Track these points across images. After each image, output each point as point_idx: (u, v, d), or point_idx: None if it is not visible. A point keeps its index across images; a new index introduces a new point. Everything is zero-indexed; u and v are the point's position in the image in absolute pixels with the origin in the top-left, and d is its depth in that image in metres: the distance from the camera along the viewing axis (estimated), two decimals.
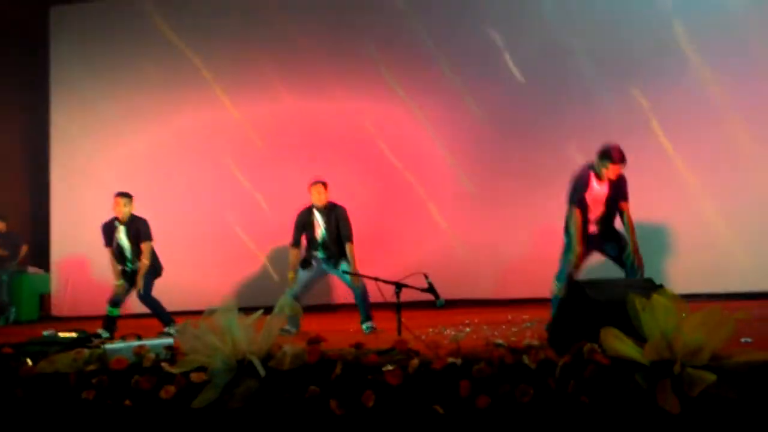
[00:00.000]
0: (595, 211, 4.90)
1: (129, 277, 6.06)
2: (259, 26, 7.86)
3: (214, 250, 7.69)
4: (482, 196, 7.09)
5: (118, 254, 6.07)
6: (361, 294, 5.59)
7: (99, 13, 8.30)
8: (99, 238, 6.18)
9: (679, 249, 6.41)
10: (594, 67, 6.85)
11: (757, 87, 6.37)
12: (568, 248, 4.92)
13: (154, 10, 8.07)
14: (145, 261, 5.95)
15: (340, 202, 5.83)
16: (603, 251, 4.99)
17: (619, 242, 4.91)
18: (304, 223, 5.82)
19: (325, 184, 5.79)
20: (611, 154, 4.80)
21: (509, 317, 5.70)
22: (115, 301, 6.01)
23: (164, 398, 3.06)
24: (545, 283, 5.90)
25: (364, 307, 5.58)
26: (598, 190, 4.90)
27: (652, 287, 3.20)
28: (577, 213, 4.87)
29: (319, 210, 5.78)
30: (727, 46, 6.50)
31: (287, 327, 4.72)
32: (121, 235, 6.05)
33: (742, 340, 3.46)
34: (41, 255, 8.81)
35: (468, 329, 4.89)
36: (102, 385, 3.16)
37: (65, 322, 7.11)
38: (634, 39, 6.76)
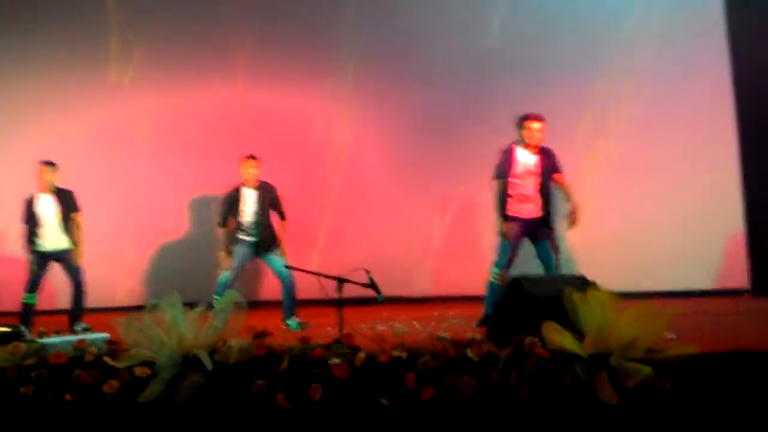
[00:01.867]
0: (529, 182, 4.89)
1: (44, 258, 5.56)
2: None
3: (142, 244, 7.44)
4: (412, 195, 7.11)
5: (37, 230, 5.55)
6: (291, 285, 5.33)
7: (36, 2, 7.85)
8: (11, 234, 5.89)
9: (607, 247, 6.57)
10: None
11: (690, 90, 6.59)
12: (499, 230, 4.93)
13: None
14: (79, 233, 5.57)
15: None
16: (534, 238, 4.95)
17: (548, 232, 4.94)
18: (232, 202, 5.49)
19: (257, 159, 5.46)
20: (526, 115, 4.90)
21: (435, 313, 5.70)
22: (33, 287, 5.54)
23: (107, 393, 3.02)
24: (468, 281, 6.05)
25: (291, 300, 5.34)
26: (527, 158, 4.91)
27: (585, 283, 3.32)
28: (498, 185, 4.89)
29: (249, 189, 5.46)
30: (657, 48, 6.69)
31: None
32: (44, 208, 5.56)
33: (667, 335, 3.60)
34: None
35: (398, 324, 4.90)
36: (41, 380, 3.08)
37: None
38: (575, 36, 6.88)
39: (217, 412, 2.95)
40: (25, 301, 5.56)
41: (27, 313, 5.52)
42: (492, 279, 4.93)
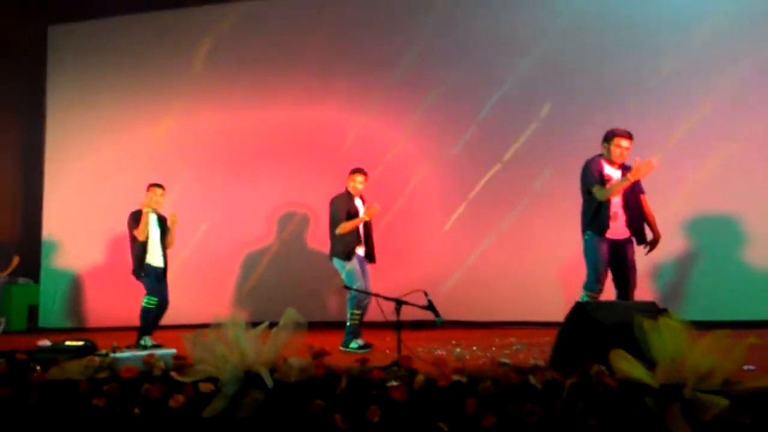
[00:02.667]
0: (615, 201, 4.75)
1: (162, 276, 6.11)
2: (256, 36, 7.92)
3: (208, 261, 7.71)
4: (471, 218, 7.06)
5: (149, 247, 6.09)
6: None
7: (96, 31, 8.46)
8: (90, 250, 6.29)
9: None
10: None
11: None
12: (586, 249, 4.77)
13: (148, 27, 8.21)
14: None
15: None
16: (616, 261, 4.78)
17: (630, 254, 4.77)
18: (348, 209, 5.65)
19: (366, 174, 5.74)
20: (613, 131, 4.80)
21: (496, 339, 5.59)
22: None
23: (173, 407, 3.09)
24: (527, 307, 5.88)
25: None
26: (611, 174, 4.80)
27: (656, 310, 3.17)
28: (599, 192, 4.69)
29: (359, 200, 5.71)
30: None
31: None
32: (154, 226, 6.13)
33: (746, 367, 3.37)
34: (31, 266, 8.91)
35: (458, 349, 4.82)
36: (112, 393, 3.19)
37: (52, 333, 7.16)
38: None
39: (276, 429, 2.96)
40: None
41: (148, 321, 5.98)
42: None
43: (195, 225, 7.58)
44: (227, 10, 7.99)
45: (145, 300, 6.05)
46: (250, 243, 7.68)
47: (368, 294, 4.96)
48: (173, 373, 3.14)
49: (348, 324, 5.47)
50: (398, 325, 3.49)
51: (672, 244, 6.14)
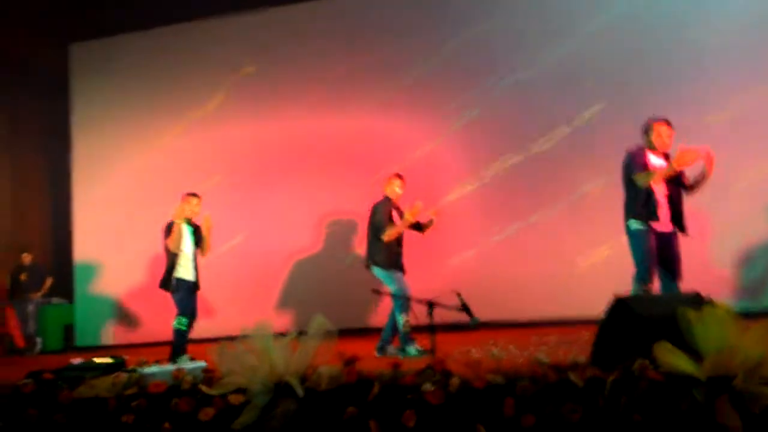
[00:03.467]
0: (660, 189, 4.66)
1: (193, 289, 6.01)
2: (282, 44, 7.91)
3: (242, 273, 7.69)
4: (503, 217, 6.93)
5: (181, 260, 5.98)
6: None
7: (117, 47, 8.51)
8: (123, 267, 6.26)
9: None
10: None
11: None
12: (633, 241, 4.65)
13: (170, 41, 8.24)
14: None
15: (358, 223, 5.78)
16: (663, 251, 4.64)
17: (675, 247, 4.65)
18: (390, 216, 5.54)
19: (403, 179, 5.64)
20: (655, 118, 4.71)
21: (534, 338, 5.45)
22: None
23: (203, 420, 3.02)
24: (565, 304, 5.71)
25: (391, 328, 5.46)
26: (656, 163, 4.70)
27: (699, 301, 3.04)
28: (642, 177, 4.57)
29: (396, 206, 5.60)
30: None
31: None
32: (187, 238, 6.00)
33: None
34: (65, 286, 8.99)
35: (495, 350, 4.70)
36: (141, 409, 3.14)
37: (90, 351, 7.18)
38: None
39: None
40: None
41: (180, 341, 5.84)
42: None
43: (227, 236, 7.55)
44: (249, 20, 7.99)
45: (177, 321, 5.92)
46: (282, 253, 7.62)
47: (408, 298, 4.81)
48: (202, 386, 3.08)
49: (402, 331, 5.32)
50: (432, 328, 3.39)
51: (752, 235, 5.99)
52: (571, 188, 6.65)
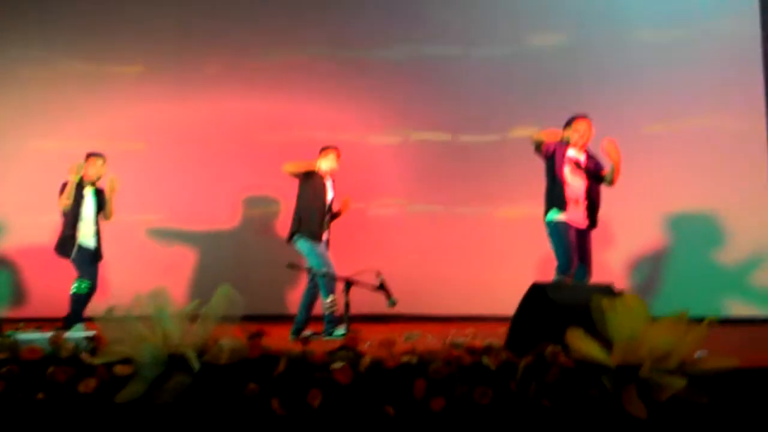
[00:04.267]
0: (578, 184, 4.77)
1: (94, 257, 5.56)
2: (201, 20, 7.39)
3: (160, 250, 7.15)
4: (433, 207, 6.86)
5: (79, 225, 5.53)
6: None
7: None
8: (31, 234, 5.70)
9: None
10: None
11: None
12: (554, 233, 4.73)
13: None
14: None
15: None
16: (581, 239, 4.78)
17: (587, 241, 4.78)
18: (317, 188, 5.32)
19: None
20: (575, 115, 4.82)
21: (453, 330, 5.41)
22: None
23: (83, 392, 2.72)
24: (484, 301, 5.74)
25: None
26: (575, 157, 4.81)
27: (612, 292, 3.08)
28: (535, 139, 4.78)
29: (328, 180, 5.42)
30: None
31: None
32: (92, 202, 5.59)
33: (698, 353, 3.34)
34: None
35: (410, 333, 4.64)
36: (12, 376, 2.79)
37: None
38: None
39: (203, 416, 2.66)
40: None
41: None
42: None
43: (146, 209, 7.00)
44: None
45: (76, 284, 5.43)
46: (203, 231, 7.11)
47: (333, 277, 4.55)
48: (83, 355, 2.78)
49: (327, 312, 5.03)
50: (346, 306, 3.24)
51: (643, 240, 6.21)
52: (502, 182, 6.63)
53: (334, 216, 5.53)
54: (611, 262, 5.94)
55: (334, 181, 5.51)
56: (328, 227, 5.39)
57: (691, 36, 6.50)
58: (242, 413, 2.66)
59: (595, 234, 4.95)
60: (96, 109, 7.26)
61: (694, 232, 6.27)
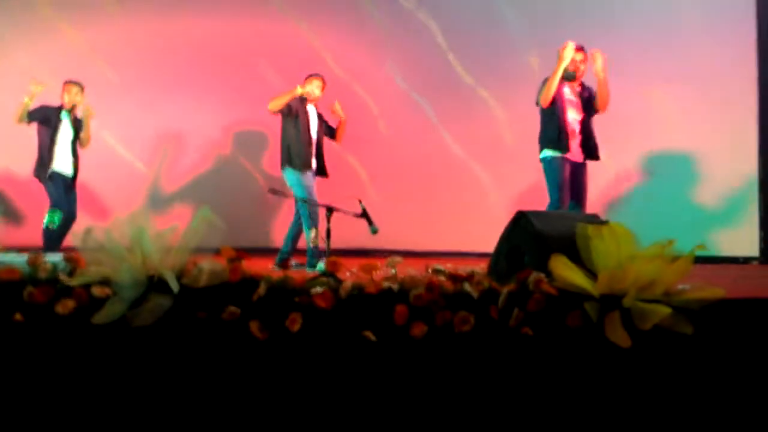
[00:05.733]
0: (572, 117, 4.71)
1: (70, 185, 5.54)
2: None
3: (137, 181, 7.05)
4: (414, 143, 6.72)
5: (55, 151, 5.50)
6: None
7: None
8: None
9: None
10: None
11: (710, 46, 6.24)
12: (548, 170, 4.71)
13: None
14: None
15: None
16: (573, 182, 4.75)
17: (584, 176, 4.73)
18: (298, 110, 5.21)
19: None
20: (563, 45, 4.69)
21: (433, 264, 5.38)
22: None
23: (61, 313, 2.70)
24: (467, 238, 5.68)
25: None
26: (569, 88, 4.75)
27: (599, 221, 3.02)
28: (541, 93, 4.69)
29: (312, 108, 5.29)
30: None
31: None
32: (69, 129, 5.58)
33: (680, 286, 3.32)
34: None
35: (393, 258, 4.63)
36: None
37: None
38: None
39: (181, 338, 2.64)
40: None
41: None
42: None
43: (128, 139, 6.86)
44: None
45: (48, 215, 5.40)
46: (186, 162, 6.99)
47: (316, 208, 4.50)
48: (61, 276, 2.74)
49: (311, 245, 4.95)
50: (328, 233, 3.19)
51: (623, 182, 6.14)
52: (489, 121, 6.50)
53: (333, 133, 5.42)
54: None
55: (318, 109, 5.38)
56: (316, 155, 5.27)
57: None
58: (221, 337, 2.64)
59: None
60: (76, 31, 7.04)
61: (678, 172, 6.20)
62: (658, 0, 6.34)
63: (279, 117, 5.32)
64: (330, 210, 3.29)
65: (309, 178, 5.17)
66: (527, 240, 2.88)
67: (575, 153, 4.75)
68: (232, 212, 5.94)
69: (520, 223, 2.95)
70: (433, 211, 6.55)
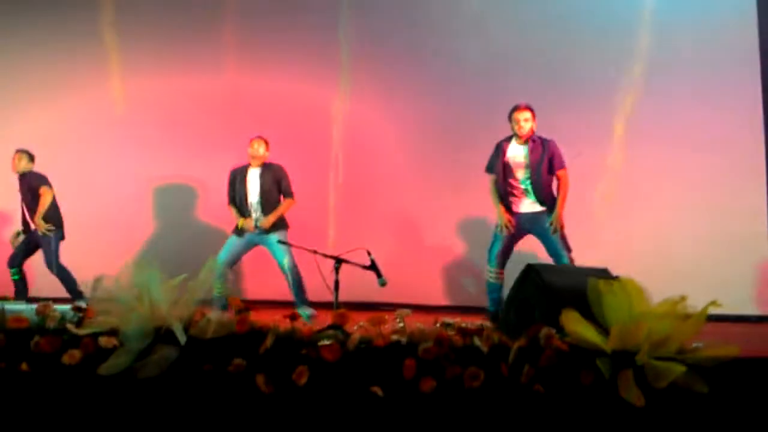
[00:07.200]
0: (519, 175, 4.74)
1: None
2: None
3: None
4: (419, 198, 6.68)
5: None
6: (293, 271, 5.08)
7: None
8: None
9: None
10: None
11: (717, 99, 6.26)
12: (496, 229, 4.81)
13: None
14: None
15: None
16: (535, 232, 4.78)
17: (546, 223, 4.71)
18: (236, 183, 5.28)
19: (266, 141, 5.32)
20: (515, 106, 4.76)
21: (440, 319, 5.31)
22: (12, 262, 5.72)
23: (68, 363, 2.68)
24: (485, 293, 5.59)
25: (298, 288, 5.09)
26: (515, 151, 4.77)
27: (608, 276, 2.99)
28: (490, 180, 4.86)
29: (254, 168, 5.28)
30: None
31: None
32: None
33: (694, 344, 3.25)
34: None
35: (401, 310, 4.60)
36: None
37: None
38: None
39: (187, 390, 2.60)
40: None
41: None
42: (488, 277, 4.80)
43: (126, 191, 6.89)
44: None
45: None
46: (195, 211, 6.96)
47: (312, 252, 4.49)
48: (69, 326, 2.74)
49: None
50: (336, 285, 3.18)
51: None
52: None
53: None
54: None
55: (264, 173, 5.32)
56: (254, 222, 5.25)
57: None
58: (227, 389, 2.60)
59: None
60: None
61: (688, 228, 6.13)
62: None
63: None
64: (338, 261, 3.27)
65: (239, 240, 5.24)
66: (537, 294, 2.85)
67: (525, 206, 4.78)
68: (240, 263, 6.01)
69: (530, 277, 2.93)
70: (442, 264, 6.49)
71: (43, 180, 5.71)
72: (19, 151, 5.79)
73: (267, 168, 5.30)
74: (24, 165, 5.74)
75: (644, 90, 6.30)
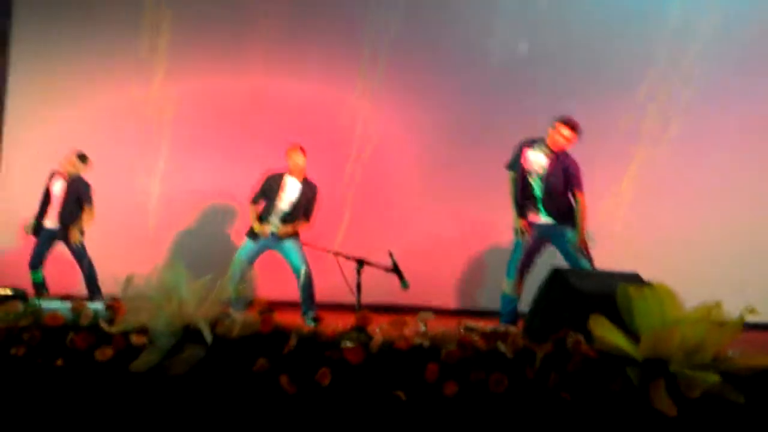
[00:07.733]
0: (533, 183, 4.68)
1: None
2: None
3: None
4: (438, 200, 6.59)
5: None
6: (307, 277, 5.14)
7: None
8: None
9: None
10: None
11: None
12: (516, 235, 4.74)
13: None
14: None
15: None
16: (555, 243, 4.71)
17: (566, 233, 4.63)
18: (270, 188, 5.36)
19: (304, 150, 5.38)
20: (562, 117, 4.65)
21: (465, 322, 5.23)
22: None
23: (100, 360, 2.75)
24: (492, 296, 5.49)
25: (308, 294, 5.15)
26: (535, 157, 4.69)
27: (639, 281, 2.89)
28: (510, 177, 4.82)
29: (293, 179, 5.35)
30: None
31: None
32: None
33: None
34: None
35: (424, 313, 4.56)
36: (33, 342, 2.84)
37: None
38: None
39: (214, 388, 2.63)
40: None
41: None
42: (504, 289, 4.70)
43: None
44: None
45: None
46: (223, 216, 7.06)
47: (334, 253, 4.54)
48: (102, 323, 2.80)
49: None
50: (358, 287, 3.17)
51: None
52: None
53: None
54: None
55: (303, 186, 5.40)
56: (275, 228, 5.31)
57: None
58: (251, 388, 2.62)
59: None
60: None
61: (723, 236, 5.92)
62: None
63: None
64: (360, 263, 3.26)
65: (254, 244, 5.26)
66: (564, 298, 2.77)
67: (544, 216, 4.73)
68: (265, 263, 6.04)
69: (557, 281, 2.85)
70: (466, 267, 6.41)
71: (88, 193, 5.86)
72: (75, 154, 5.92)
73: (307, 184, 5.41)
74: (77, 167, 5.90)
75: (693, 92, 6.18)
